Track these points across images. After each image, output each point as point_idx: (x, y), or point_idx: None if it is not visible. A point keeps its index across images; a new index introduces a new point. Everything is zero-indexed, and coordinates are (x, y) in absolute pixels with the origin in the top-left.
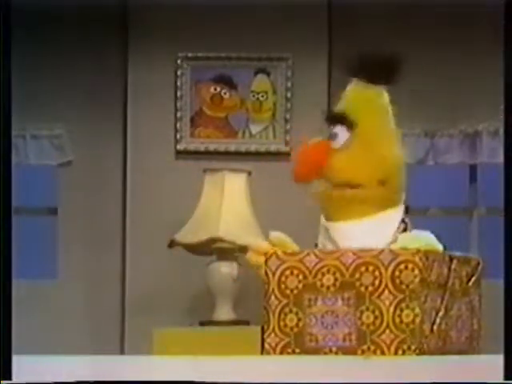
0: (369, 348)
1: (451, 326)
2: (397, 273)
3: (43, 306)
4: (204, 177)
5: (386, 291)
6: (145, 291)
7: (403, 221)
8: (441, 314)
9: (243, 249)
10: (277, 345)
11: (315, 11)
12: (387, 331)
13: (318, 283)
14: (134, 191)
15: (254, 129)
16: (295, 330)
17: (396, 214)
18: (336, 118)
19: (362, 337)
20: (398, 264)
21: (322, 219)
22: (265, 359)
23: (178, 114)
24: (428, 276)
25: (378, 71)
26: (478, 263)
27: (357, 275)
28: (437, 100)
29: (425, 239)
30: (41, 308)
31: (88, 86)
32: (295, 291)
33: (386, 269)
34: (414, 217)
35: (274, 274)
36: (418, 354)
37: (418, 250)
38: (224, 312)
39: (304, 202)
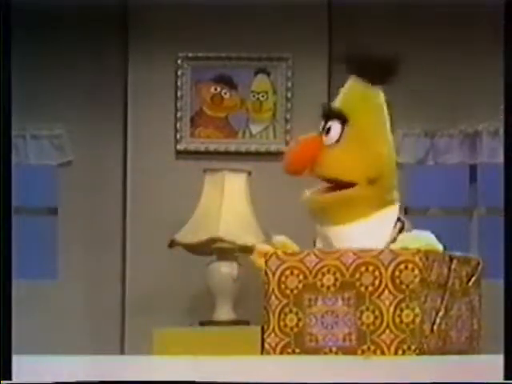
0: (369, 348)
1: (451, 326)
2: (397, 273)
3: (43, 306)
4: (204, 177)
5: (386, 291)
6: (145, 291)
7: (399, 219)
8: (441, 313)
9: (243, 249)
10: (277, 345)
11: (315, 11)
12: (387, 331)
13: (318, 283)
14: (134, 191)
15: (255, 129)
16: (295, 330)
17: (391, 213)
18: (330, 113)
19: (362, 337)
20: (398, 264)
21: (317, 226)
22: (265, 359)
23: (178, 114)
24: (428, 276)
25: (374, 71)
26: (478, 263)
27: (357, 275)
28: (437, 100)
29: (425, 239)
30: (41, 308)
31: (88, 86)
32: (295, 291)
33: (386, 269)
34: (413, 217)
35: (274, 274)
36: (418, 354)
37: (418, 250)
38: (224, 312)
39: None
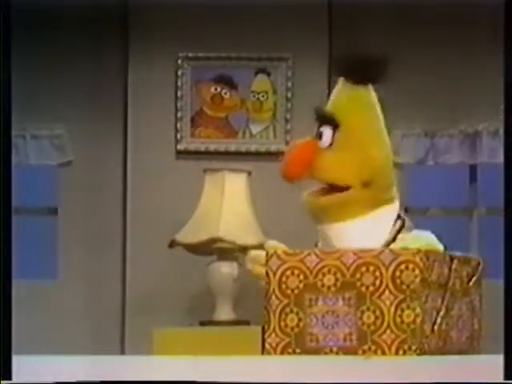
0: (369, 348)
1: (452, 326)
2: (397, 273)
3: (43, 306)
4: (204, 177)
5: (387, 291)
6: (145, 291)
7: (399, 217)
8: (441, 314)
9: (243, 249)
10: (277, 345)
11: (315, 11)
12: (388, 331)
13: (319, 283)
14: (134, 191)
15: (255, 129)
16: (296, 330)
17: (389, 211)
18: (322, 118)
19: (363, 337)
20: (399, 264)
21: (318, 226)
22: (265, 359)
23: (179, 114)
24: (429, 276)
25: (362, 72)
26: (479, 263)
27: (357, 275)
28: (437, 100)
29: (425, 239)
30: (41, 308)
31: (88, 86)
32: (296, 291)
33: (387, 269)
34: (413, 217)
35: (274, 274)
36: (418, 354)
37: (419, 250)
38: (224, 312)
39: None
